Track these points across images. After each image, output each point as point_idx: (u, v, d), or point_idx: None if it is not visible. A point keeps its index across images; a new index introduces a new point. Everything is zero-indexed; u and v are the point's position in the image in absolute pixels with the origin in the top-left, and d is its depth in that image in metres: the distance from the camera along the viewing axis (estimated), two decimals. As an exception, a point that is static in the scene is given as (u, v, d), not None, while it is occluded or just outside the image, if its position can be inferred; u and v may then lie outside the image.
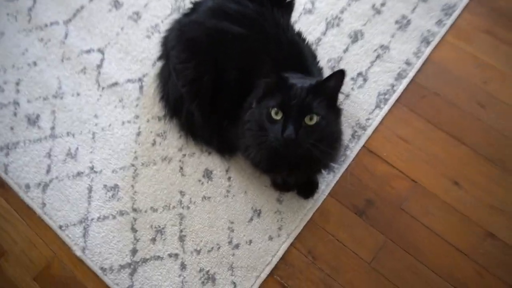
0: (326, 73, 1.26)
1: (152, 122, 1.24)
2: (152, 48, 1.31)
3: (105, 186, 1.18)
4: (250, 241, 1.09)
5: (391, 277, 1.05)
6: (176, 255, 1.09)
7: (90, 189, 1.18)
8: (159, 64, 1.25)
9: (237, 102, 0.99)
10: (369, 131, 1.20)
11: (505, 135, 1.19)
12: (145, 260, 1.09)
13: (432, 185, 1.14)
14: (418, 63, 1.26)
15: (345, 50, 1.29)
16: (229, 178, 1.16)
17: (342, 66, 1.27)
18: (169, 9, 1.38)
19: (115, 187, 1.18)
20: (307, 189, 1.13)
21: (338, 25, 1.33)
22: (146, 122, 1.24)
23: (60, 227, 1.13)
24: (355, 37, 1.30)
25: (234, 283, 1.05)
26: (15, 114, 1.26)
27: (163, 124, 1.23)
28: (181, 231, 1.11)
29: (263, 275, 1.06)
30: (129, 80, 1.29)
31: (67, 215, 1.15)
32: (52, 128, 1.24)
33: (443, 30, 1.30)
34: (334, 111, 0.86)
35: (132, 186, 1.18)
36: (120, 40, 1.34)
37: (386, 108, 1.22)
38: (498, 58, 1.28)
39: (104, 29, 1.36)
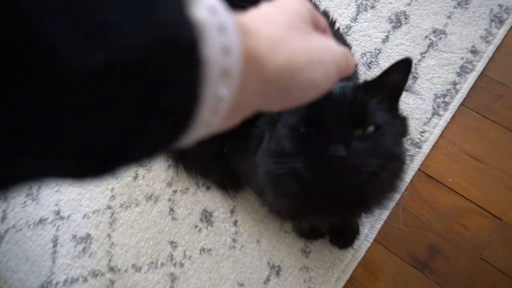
0: (361, 72, 0.94)
1: (134, 148, 0.95)
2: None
3: (74, 236, 0.90)
4: (268, 313, 0.78)
5: None
6: (166, 334, 0.79)
7: (55, 242, 0.90)
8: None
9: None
10: (426, 148, 0.87)
11: None
12: None
13: (525, 223, 0.80)
14: (488, 51, 0.92)
15: (385, 40, 0.96)
16: (235, 222, 0.86)
17: (381, 60, 0.94)
18: None
19: (87, 237, 0.89)
20: (344, 235, 0.81)
21: (373, 6, 1.00)
22: (126, 148, 0.95)
23: (15, 296, 0.85)
24: (398, 21, 0.97)
25: None
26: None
27: (147, 150, 0.94)
28: (173, 299, 0.82)
29: None
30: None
31: (25, 278, 0.87)
32: (9, 161, 0.97)
33: (519, 4, 0.95)
34: (399, 120, 0.53)
35: (109, 235, 0.89)
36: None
37: (447, 116, 0.89)
38: None
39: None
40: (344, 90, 0.49)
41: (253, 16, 0.24)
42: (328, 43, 0.26)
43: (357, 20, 0.99)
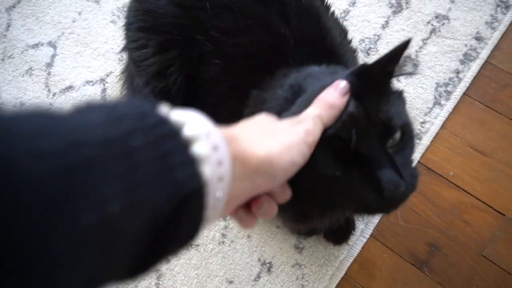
0: (359, 58, 0.88)
1: (118, 138, 0.90)
2: (118, 36, 0.97)
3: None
4: (258, 312, 0.74)
5: None
6: (151, 334, 0.75)
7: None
8: (126, 57, 0.90)
9: (226, 109, 0.63)
10: (426, 140, 0.82)
11: None
12: None
13: (530, 219, 0.76)
14: (494, 38, 0.87)
15: (384, 25, 0.91)
16: (224, 216, 0.81)
17: (380, 47, 0.89)
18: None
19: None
20: (339, 231, 0.77)
21: (372, -10, 0.94)
22: (110, 138, 0.90)
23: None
24: (398, 5, 0.92)
25: None
26: None
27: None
28: (158, 297, 0.77)
29: None
30: (88, 82, 0.95)
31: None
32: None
33: (526, -11, 0.90)
34: (401, 99, 0.47)
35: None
36: (77, 29, 1.00)
37: (449, 106, 0.84)
38: None
39: (57, 16, 1.02)
40: (358, 107, 0.39)
41: (238, 126, 0.32)
42: (292, 130, 0.33)
43: (355, 4, 0.94)
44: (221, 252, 0.79)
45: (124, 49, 0.84)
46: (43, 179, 0.16)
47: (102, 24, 0.99)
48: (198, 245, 0.80)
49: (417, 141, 0.82)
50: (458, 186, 0.80)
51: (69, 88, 0.95)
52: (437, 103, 0.84)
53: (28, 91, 0.96)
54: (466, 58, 0.86)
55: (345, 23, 0.92)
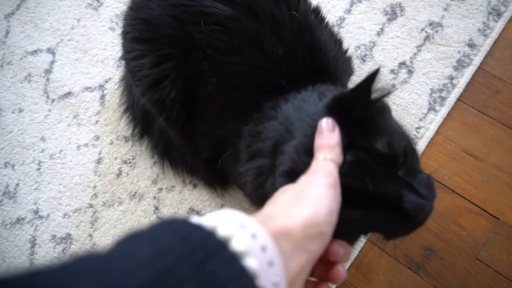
0: (355, 64, 0.90)
1: (117, 144, 0.91)
2: (117, 43, 0.98)
3: (53, 237, 0.85)
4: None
5: None
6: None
7: (33, 242, 0.85)
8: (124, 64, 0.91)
9: (223, 127, 0.64)
10: (422, 145, 0.84)
11: None
12: None
13: (523, 222, 0.77)
14: (486, 44, 0.89)
15: (380, 32, 0.93)
16: (223, 222, 0.82)
17: (376, 53, 0.91)
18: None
19: (67, 237, 0.85)
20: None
21: (367, -2, 0.96)
22: (109, 144, 0.91)
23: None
24: (393, 13, 0.94)
25: None
26: None
27: (131, 147, 0.90)
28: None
29: None
30: (86, 88, 0.96)
31: (1, 281, 0.82)
32: (-15, 158, 0.92)
33: (517, -3, 0.92)
34: (385, 112, 0.49)
35: (90, 235, 0.84)
36: (75, 36, 1.01)
37: (443, 111, 0.86)
38: None
39: (56, 22, 1.03)
40: (359, 154, 0.41)
41: (264, 207, 0.33)
42: (312, 182, 0.35)
43: (351, 12, 0.95)
44: None
45: (122, 57, 0.85)
46: None
47: (100, 31, 1.00)
48: None
49: (412, 146, 0.84)
50: (452, 190, 0.81)
51: (68, 94, 0.96)
52: (431, 108, 0.86)
53: (27, 97, 0.97)
54: (460, 65, 0.88)
55: (341, 30, 0.94)
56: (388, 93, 0.45)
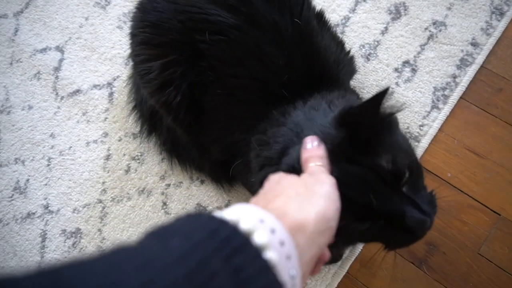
0: (359, 64, 0.92)
1: (126, 141, 0.92)
2: (125, 41, 0.99)
3: (63, 231, 0.87)
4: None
5: None
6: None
7: (43, 236, 0.87)
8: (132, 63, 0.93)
9: (230, 136, 0.65)
10: (425, 142, 0.85)
11: None
12: None
13: (524, 218, 0.79)
14: (489, 43, 0.90)
15: (384, 31, 0.94)
16: (230, 217, 0.84)
17: (380, 52, 0.92)
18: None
19: (77, 232, 0.87)
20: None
21: (372, -3, 0.97)
22: (118, 141, 0.92)
23: (2, 291, 0.83)
24: (397, 12, 0.95)
25: None
26: (-51, 137, 0.96)
27: (140, 143, 0.91)
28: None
29: None
30: (95, 86, 0.98)
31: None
32: (-4, 154, 0.94)
33: (520, -4, 0.93)
34: (391, 127, 0.50)
35: (100, 230, 0.86)
36: (84, 34, 1.02)
37: (446, 109, 0.87)
38: None
39: (64, 21, 1.04)
40: (364, 169, 0.43)
41: (276, 200, 0.34)
42: (317, 181, 0.37)
43: (355, 11, 0.97)
44: None
45: (130, 57, 0.86)
46: None
47: (108, 30, 1.02)
48: None
49: (416, 143, 0.85)
50: (455, 187, 0.83)
51: (77, 91, 0.97)
52: (435, 106, 0.87)
53: (36, 95, 0.98)
54: (463, 63, 0.89)
55: (345, 29, 0.95)
56: (396, 111, 0.47)
